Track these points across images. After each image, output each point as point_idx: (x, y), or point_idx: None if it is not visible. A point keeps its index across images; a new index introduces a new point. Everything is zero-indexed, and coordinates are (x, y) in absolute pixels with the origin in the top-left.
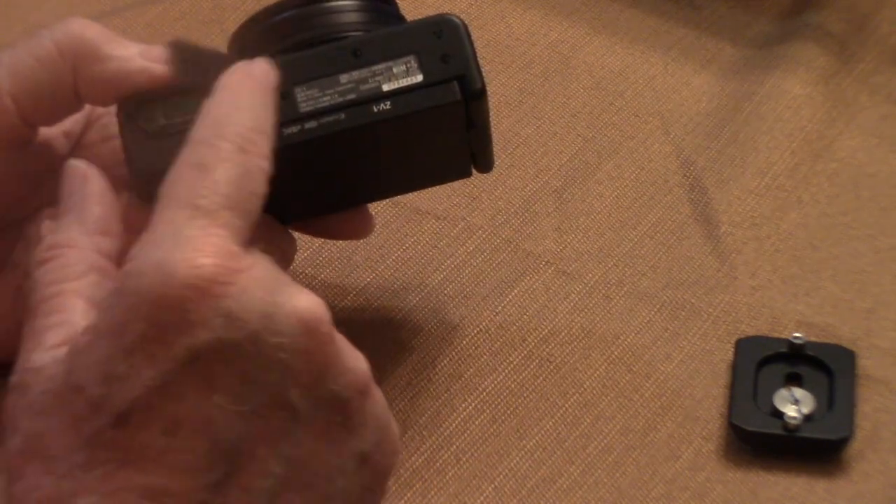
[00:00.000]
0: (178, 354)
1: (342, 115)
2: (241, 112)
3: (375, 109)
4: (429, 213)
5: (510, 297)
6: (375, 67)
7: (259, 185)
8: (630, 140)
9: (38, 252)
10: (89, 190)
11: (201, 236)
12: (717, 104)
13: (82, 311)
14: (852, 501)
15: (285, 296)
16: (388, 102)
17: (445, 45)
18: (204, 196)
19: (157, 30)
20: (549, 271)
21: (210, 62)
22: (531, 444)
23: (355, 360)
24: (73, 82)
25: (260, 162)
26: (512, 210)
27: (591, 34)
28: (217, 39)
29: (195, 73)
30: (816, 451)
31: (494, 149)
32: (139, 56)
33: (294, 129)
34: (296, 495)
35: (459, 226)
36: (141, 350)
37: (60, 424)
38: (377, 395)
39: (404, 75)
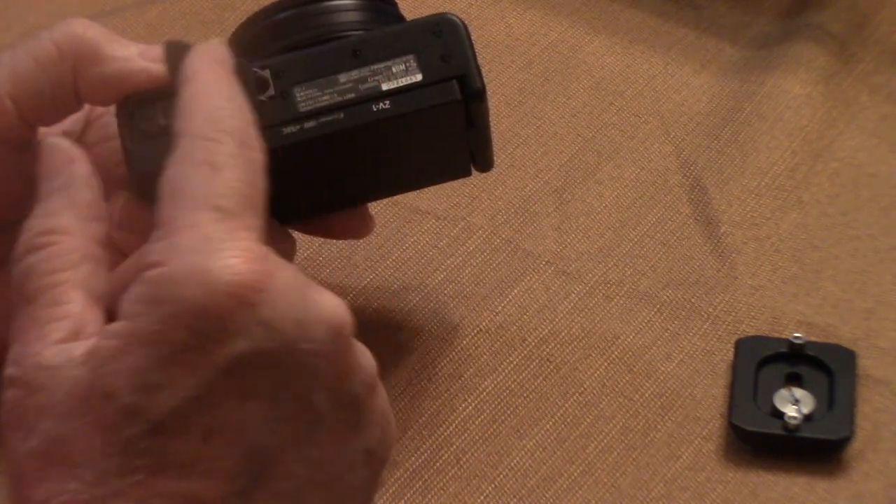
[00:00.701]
0: (218, 364)
1: (341, 115)
2: (228, 103)
3: (375, 109)
4: (429, 213)
5: (510, 297)
6: (375, 67)
7: (263, 181)
8: (630, 140)
9: (29, 237)
10: (77, 172)
11: (234, 241)
12: (717, 104)
13: (81, 302)
14: (852, 501)
15: (314, 301)
16: (388, 102)
17: (445, 45)
18: (225, 196)
19: (157, 30)
20: (549, 271)
21: None
22: (531, 444)
23: (366, 359)
24: (73, 83)
25: (259, 156)
26: (512, 210)
27: (591, 34)
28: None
29: None
30: (816, 451)
31: (494, 149)
32: (139, 56)
33: (293, 128)
34: (315, 495)
35: (459, 226)
36: (180, 360)
37: (87, 430)
38: (382, 390)
39: (404, 74)
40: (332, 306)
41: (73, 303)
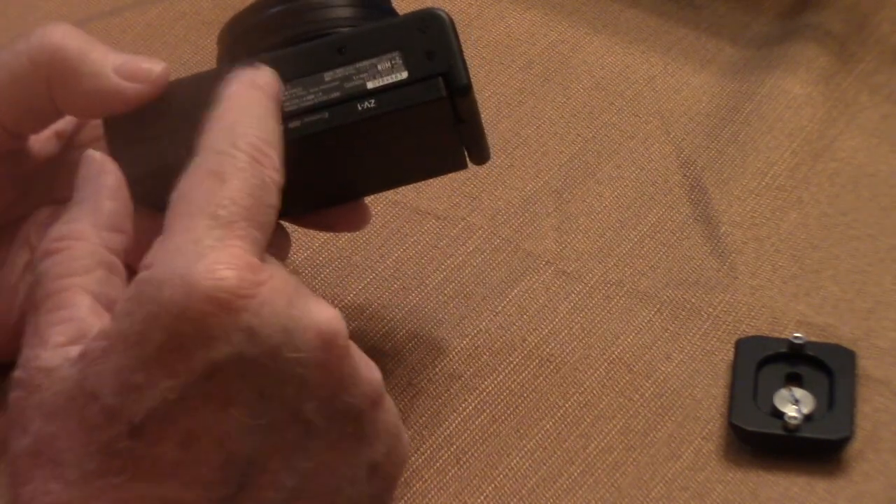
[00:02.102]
0: (197, 368)
1: (326, 114)
2: (252, 122)
3: (360, 108)
4: (429, 213)
5: (510, 297)
6: (360, 65)
7: (273, 198)
8: (630, 140)
9: (46, 242)
10: (104, 183)
11: (222, 247)
12: (717, 104)
13: (89, 307)
14: (852, 501)
15: (304, 309)
16: (373, 101)
17: (430, 41)
18: (223, 206)
19: (157, 30)
20: (549, 271)
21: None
22: (531, 444)
23: (369, 371)
24: (49, 96)
25: (273, 174)
26: (512, 210)
27: (591, 34)
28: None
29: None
30: (816, 451)
31: (495, 149)
32: (114, 73)
33: None
34: None
35: (459, 226)
36: (159, 361)
37: (72, 430)
38: (389, 404)
39: (389, 72)
40: (323, 315)
41: (78, 307)
